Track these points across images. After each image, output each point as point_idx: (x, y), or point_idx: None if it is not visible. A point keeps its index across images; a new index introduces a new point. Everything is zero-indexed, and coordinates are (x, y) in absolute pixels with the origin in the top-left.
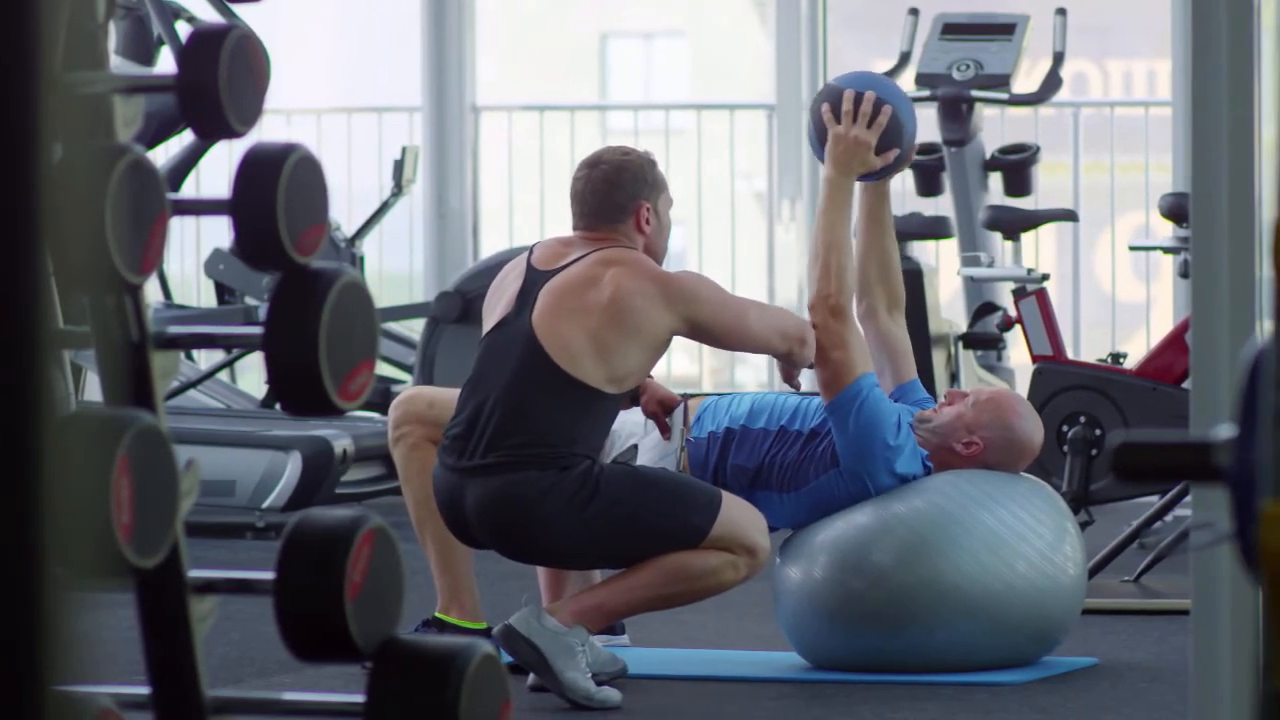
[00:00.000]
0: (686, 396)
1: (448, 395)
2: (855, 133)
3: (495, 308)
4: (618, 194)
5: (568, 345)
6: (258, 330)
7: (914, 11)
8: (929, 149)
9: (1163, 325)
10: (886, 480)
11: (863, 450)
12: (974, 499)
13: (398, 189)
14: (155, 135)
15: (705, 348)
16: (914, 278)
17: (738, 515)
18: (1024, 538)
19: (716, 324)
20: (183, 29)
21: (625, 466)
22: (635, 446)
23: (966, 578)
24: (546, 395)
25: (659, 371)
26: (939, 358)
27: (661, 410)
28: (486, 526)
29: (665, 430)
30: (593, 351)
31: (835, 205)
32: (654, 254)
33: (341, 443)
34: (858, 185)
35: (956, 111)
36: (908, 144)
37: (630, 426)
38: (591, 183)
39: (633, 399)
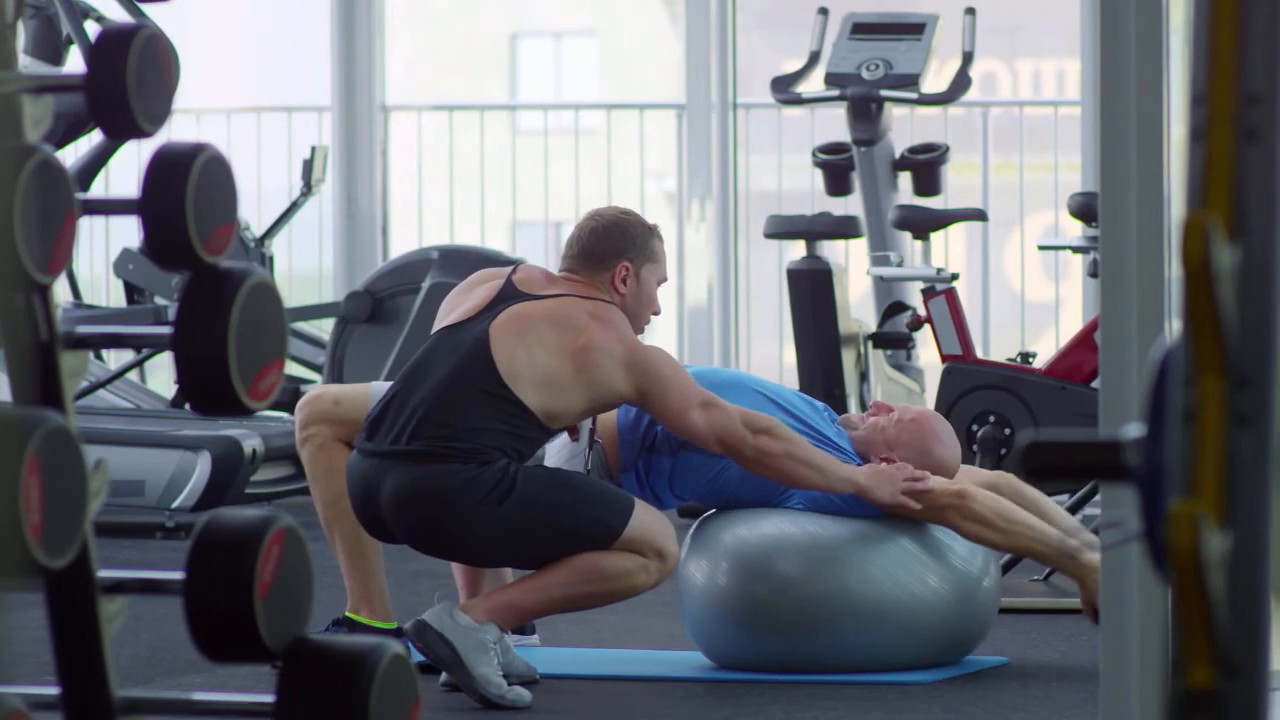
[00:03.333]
0: None
1: (354, 392)
2: None
3: (457, 308)
4: (601, 245)
5: (515, 363)
6: (167, 330)
7: (823, 11)
8: (838, 148)
9: (1072, 324)
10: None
11: (815, 504)
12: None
13: (307, 189)
14: (64, 135)
15: None
16: (823, 277)
17: (650, 520)
18: (938, 551)
19: (664, 406)
20: (92, 29)
21: (542, 466)
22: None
23: (875, 589)
24: (480, 398)
25: None
26: (848, 357)
27: None
28: (401, 518)
29: (574, 431)
30: (538, 380)
31: (1059, 560)
32: (631, 320)
33: (251, 442)
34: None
35: (866, 111)
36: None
37: None
38: (583, 230)
39: None
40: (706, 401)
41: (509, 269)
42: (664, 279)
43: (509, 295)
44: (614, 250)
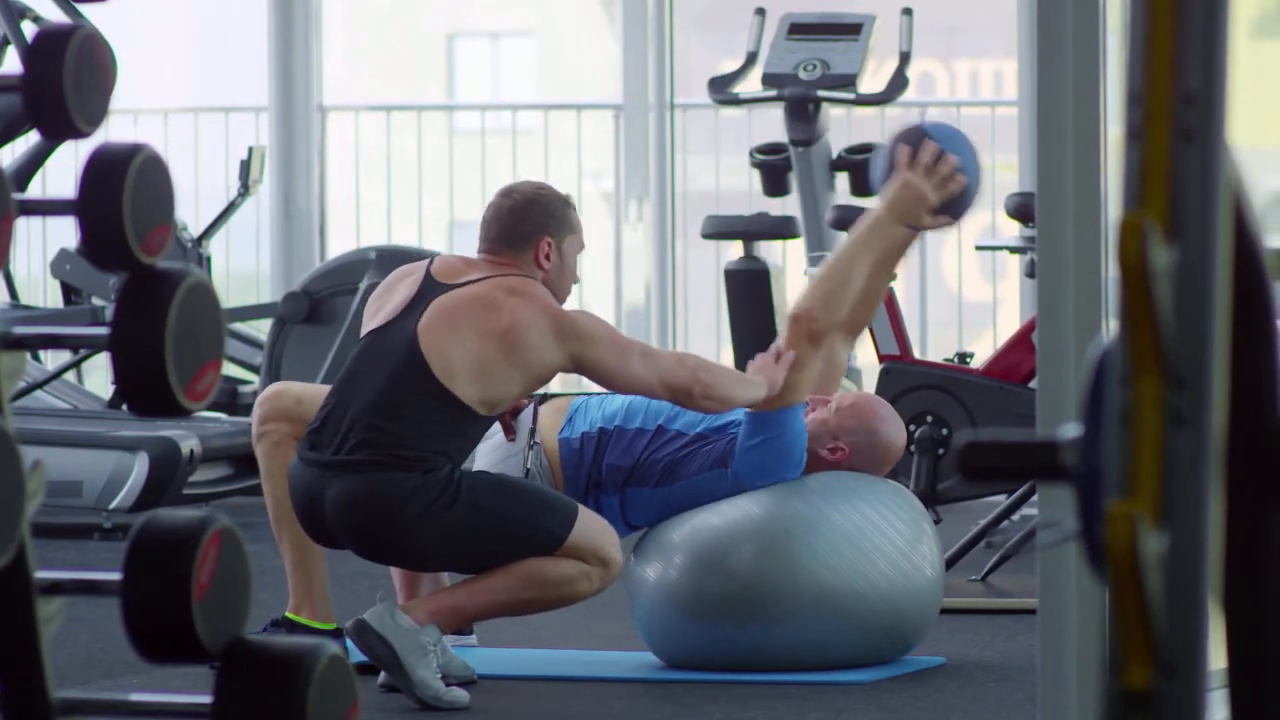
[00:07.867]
0: (536, 400)
1: (315, 392)
2: (924, 189)
3: (383, 308)
4: (523, 224)
5: (448, 360)
6: (104, 331)
7: (760, 11)
8: (776, 149)
9: (1009, 325)
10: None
11: (762, 468)
12: (836, 493)
13: (244, 189)
14: (1, 135)
15: None
16: (761, 278)
17: (593, 526)
18: (884, 534)
19: (603, 365)
20: (29, 29)
21: (486, 473)
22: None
23: (825, 572)
24: (419, 402)
25: None
26: None
27: (508, 413)
28: (345, 525)
29: (509, 431)
30: (473, 372)
31: (870, 245)
32: (554, 292)
33: (189, 443)
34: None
35: (803, 111)
36: (960, 215)
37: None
38: (500, 210)
39: None
40: (644, 351)
41: (426, 262)
42: (583, 248)
43: (430, 289)
44: (535, 227)
